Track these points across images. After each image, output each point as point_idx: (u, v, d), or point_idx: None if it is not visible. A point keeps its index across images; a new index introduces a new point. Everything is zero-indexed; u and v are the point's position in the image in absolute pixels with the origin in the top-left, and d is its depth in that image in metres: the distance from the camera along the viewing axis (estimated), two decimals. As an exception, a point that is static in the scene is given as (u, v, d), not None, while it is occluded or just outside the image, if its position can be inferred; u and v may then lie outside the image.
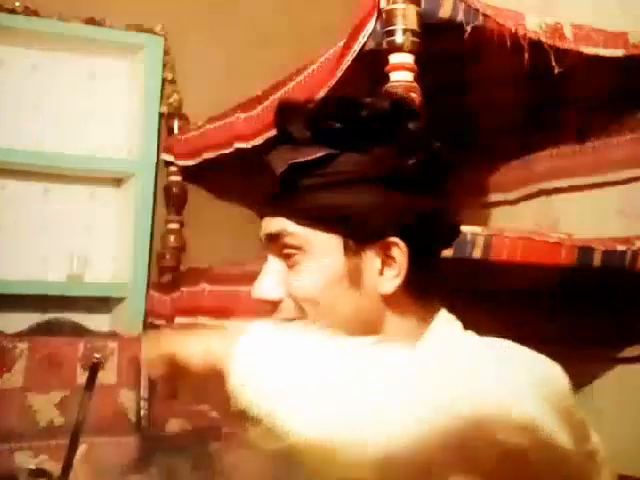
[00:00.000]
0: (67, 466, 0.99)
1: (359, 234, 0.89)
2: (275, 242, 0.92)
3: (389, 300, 0.90)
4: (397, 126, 0.91)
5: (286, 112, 0.95)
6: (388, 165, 0.89)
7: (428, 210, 0.90)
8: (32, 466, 1.76)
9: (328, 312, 0.89)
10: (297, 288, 0.90)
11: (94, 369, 1.01)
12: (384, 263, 0.89)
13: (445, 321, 0.94)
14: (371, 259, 0.89)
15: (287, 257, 0.91)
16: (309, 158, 0.88)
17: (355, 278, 0.89)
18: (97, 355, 1.02)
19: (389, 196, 0.88)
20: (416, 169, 0.90)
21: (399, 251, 0.89)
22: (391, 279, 0.90)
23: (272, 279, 0.92)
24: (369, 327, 0.90)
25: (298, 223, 0.89)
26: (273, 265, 0.93)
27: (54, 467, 1.02)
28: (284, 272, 0.92)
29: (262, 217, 0.95)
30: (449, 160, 0.96)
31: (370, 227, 0.89)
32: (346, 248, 0.89)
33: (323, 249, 0.89)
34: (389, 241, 0.89)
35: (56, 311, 2.19)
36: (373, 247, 0.89)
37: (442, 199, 0.94)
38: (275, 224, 0.91)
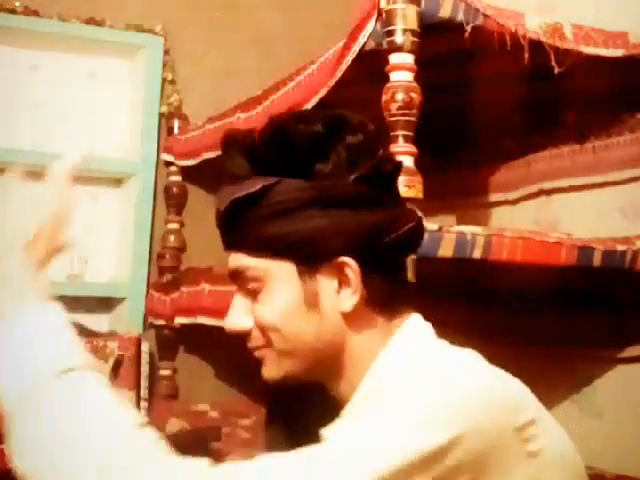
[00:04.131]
0: None
1: (309, 258, 0.89)
2: (238, 278, 0.94)
3: (351, 318, 0.91)
4: (333, 145, 0.90)
5: (227, 147, 0.96)
6: (328, 186, 0.89)
7: (379, 223, 0.90)
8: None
9: (291, 338, 0.91)
10: (259, 317, 0.92)
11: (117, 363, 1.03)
12: (340, 283, 0.90)
13: (408, 333, 0.93)
14: (327, 281, 0.90)
15: (250, 290, 0.93)
16: (247, 192, 0.89)
17: (312, 302, 0.90)
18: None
19: (334, 216, 0.89)
20: (357, 185, 0.90)
21: (350, 270, 0.89)
22: (348, 297, 0.90)
23: (239, 310, 0.94)
24: (333, 348, 0.92)
25: (252, 255, 0.91)
26: (239, 299, 0.95)
27: None
28: (250, 303, 0.94)
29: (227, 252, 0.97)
30: (395, 167, 0.96)
31: (318, 250, 0.89)
32: (300, 273, 0.90)
33: (279, 277, 0.90)
34: (339, 261, 0.89)
35: (56, 311, 2.18)
36: (327, 269, 0.90)
37: (394, 207, 0.94)
38: (233, 261, 0.93)
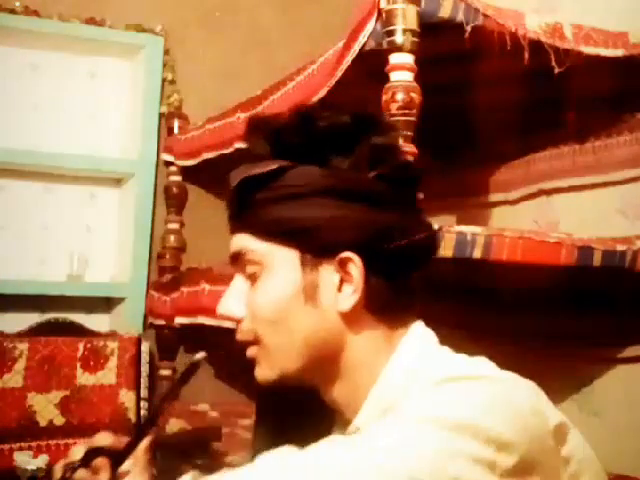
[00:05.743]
0: (129, 449, 0.96)
1: (315, 247, 0.87)
2: (238, 261, 0.91)
3: (350, 319, 0.88)
4: (357, 140, 0.89)
5: (252, 128, 0.94)
6: (344, 178, 0.87)
7: (391, 225, 0.88)
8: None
9: (284, 330, 0.88)
10: (253, 304, 0.89)
11: (194, 367, 1.00)
12: (342, 280, 0.87)
13: (414, 341, 0.90)
14: (328, 275, 0.87)
15: (249, 275, 0.90)
16: (261, 171, 0.87)
17: (311, 294, 0.87)
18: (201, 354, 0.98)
19: (345, 209, 0.86)
20: (376, 183, 0.88)
21: (354, 267, 0.86)
22: (349, 296, 0.87)
23: (235, 297, 0.92)
24: (329, 348, 0.88)
25: (256, 238, 0.89)
26: (238, 283, 0.92)
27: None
28: (247, 291, 0.91)
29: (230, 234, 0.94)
30: (417, 175, 0.94)
31: (326, 240, 0.87)
32: (303, 262, 0.87)
33: (280, 263, 0.87)
34: (343, 256, 0.86)
35: (56, 311, 2.19)
36: (330, 262, 0.87)
37: (410, 214, 0.91)
38: (236, 242, 0.91)
